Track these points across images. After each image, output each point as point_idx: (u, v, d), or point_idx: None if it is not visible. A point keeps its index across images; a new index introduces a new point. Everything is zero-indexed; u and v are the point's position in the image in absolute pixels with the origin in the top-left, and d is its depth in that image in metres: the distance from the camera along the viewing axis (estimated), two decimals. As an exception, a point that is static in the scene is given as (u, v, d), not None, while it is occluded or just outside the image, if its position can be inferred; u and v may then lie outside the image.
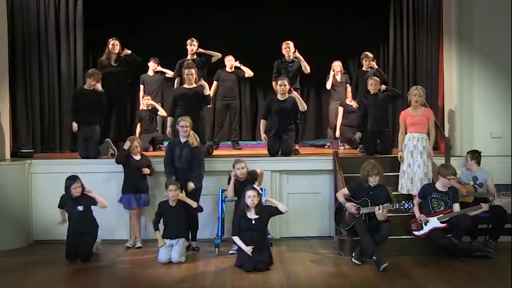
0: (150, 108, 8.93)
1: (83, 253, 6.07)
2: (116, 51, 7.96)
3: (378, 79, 7.72)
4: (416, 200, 6.27)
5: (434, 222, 6.07)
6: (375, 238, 5.84)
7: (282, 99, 7.32)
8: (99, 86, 7.41)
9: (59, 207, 6.25)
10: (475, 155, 6.58)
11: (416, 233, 6.17)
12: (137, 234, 6.78)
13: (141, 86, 9.29)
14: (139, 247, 6.67)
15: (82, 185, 6.26)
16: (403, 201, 6.04)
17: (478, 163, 6.56)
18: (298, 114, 7.59)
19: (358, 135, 8.01)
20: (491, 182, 6.43)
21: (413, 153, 6.65)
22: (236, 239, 5.88)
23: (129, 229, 6.90)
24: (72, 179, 6.21)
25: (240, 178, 6.34)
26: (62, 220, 6.28)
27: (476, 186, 6.48)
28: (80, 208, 6.18)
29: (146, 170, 6.78)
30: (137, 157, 6.83)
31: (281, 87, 7.31)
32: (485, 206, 6.04)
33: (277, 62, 8.23)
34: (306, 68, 8.11)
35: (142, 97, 9.05)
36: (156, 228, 6.17)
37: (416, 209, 6.20)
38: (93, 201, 6.26)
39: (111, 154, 7.46)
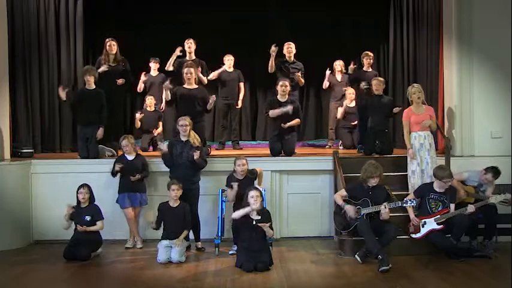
0: (153, 109, 8.90)
1: (80, 255, 6.09)
2: (114, 52, 7.91)
3: (382, 79, 7.70)
4: (411, 196, 6.24)
5: (431, 224, 6.06)
6: (382, 240, 5.84)
7: (282, 100, 7.30)
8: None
9: (70, 218, 6.27)
10: (497, 174, 6.38)
11: (414, 235, 6.16)
12: (136, 234, 6.77)
13: (142, 85, 9.22)
14: (140, 247, 6.68)
15: (91, 195, 6.35)
16: (404, 199, 6.03)
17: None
18: (299, 114, 7.56)
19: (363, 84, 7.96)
20: (490, 192, 6.39)
21: (420, 151, 6.64)
22: (235, 213, 5.87)
23: (129, 229, 6.89)
24: (81, 186, 6.33)
25: (239, 175, 6.35)
26: (67, 227, 6.30)
27: (476, 188, 6.48)
28: (87, 218, 6.26)
29: (134, 178, 6.63)
30: (130, 157, 6.81)
31: (282, 87, 7.29)
32: (470, 207, 6.00)
33: (278, 61, 8.24)
34: (302, 83, 8.33)
35: (146, 97, 9.02)
36: (157, 228, 6.25)
37: (411, 211, 6.19)
38: (100, 215, 6.32)
39: (109, 156, 7.46)
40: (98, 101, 7.30)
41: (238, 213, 5.85)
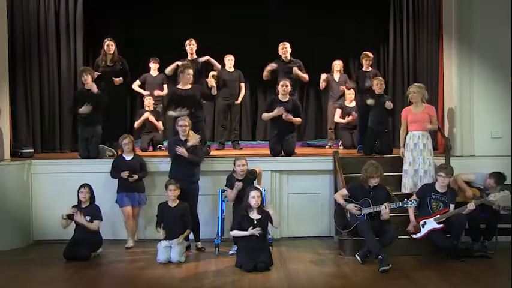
0: (152, 109, 8.90)
1: (81, 255, 6.09)
2: (111, 52, 7.84)
3: (382, 79, 7.69)
4: (414, 196, 6.22)
5: (431, 224, 6.05)
6: (382, 240, 5.84)
7: (283, 100, 7.30)
8: (94, 87, 7.35)
9: (68, 217, 6.25)
10: (501, 179, 6.30)
11: (414, 235, 6.16)
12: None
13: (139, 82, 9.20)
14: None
15: (92, 195, 6.36)
16: (405, 199, 6.03)
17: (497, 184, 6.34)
18: (300, 115, 7.55)
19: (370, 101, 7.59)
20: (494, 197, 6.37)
21: (413, 151, 6.64)
22: (235, 232, 5.89)
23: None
24: (82, 186, 6.32)
25: (239, 175, 6.36)
26: (64, 226, 6.30)
27: (482, 191, 6.46)
28: (87, 218, 6.25)
29: (132, 178, 6.60)
30: (128, 157, 6.80)
31: (283, 87, 7.28)
32: (470, 204, 5.96)
33: (275, 63, 8.23)
34: (305, 79, 8.27)
35: (145, 97, 9.03)
36: (158, 226, 6.22)
37: (412, 211, 6.19)
38: (99, 216, 6.33)
39: (109, 156, 7.45)
40: (96, 100, 7.28)
41: (238, 233, 5.88)
